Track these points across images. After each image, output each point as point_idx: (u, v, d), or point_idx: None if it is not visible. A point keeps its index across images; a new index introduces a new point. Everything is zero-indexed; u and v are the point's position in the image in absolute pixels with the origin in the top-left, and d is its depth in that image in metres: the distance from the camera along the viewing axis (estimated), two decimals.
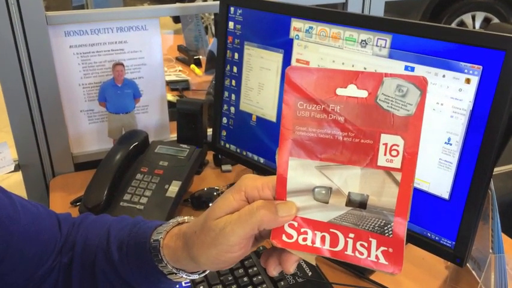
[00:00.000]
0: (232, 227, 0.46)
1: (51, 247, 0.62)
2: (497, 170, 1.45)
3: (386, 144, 0.42)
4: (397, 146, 0.41)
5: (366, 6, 1.20)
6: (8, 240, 0.57)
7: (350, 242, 0.43)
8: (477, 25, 4.25)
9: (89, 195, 0.90)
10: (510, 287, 0.73)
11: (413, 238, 0.72)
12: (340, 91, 0.42)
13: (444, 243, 0.69)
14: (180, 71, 1.91)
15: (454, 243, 0.67)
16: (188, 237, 0.52)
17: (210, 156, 1.13)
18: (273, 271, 0.47)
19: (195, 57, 1.97)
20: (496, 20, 4.20)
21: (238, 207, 0.47)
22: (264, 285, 0.70)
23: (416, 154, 0.41)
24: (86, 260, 0.62)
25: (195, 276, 0.56)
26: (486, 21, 4.22)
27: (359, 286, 0.75)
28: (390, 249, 0.42)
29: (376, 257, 0.43)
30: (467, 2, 4.25)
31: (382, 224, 0.42)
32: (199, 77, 1.88)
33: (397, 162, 0.41)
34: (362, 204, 0.43)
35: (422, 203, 0.70)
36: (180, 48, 2.09)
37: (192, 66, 1.94)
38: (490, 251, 0.71)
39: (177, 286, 0.74)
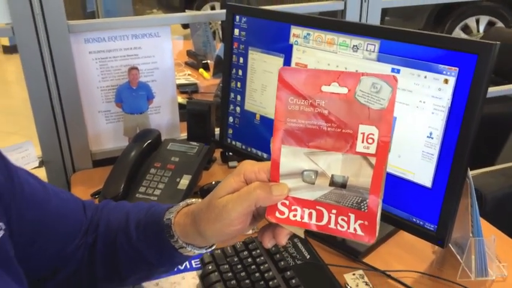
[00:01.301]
0: (233, 204, 0.54)
1: (78, 228, 0.70)
2: (491, 168, 1.52)
3: (363, 134, 0.48)
4: (373, 135, 0.48)
5: (363, 13, 1.28)
6: (41, 220, 0.65)
7: (333, 217, 0.50)
8: (481, 29, 4.30)
9: (107, 187, 0.98)
10: (489, 268, 0.80)
11: (400, 223, 0.79)
12: (324, 88, 0.49)
13: (427, 227, 0.76)
14: (189, 74, 2.00)
15: (436, 227, 0.75)
16: (196, 215, 0.60)
17: (217, 153, 1.21)
18: (268, 243, 0.55)
19: (203, 62, 2.05)
20: (500, 24, 4.24)
21: (238, 187, 0.55)
22: (266, 265, 0.78)
23: (388, 142, 0.48)
24: (108, 239, 0.70)
25: (203, 251, 0.64)
26: (490, 24, 4.26)
27: (352, 267, 0.83)
28: (366, 222, 0.49)
29: (354, 229, 0.50)
30: (472, 6, 4.29)
31: (359, 201, 0.49)
32: (207, 81, 1.97)
33: (372, 149, 0.48)
34: (343, 185, 0.50)
35: (408, 191, 0.77)
36: (189, 53, 2.18)
37: (201, 70, 2.02)
38: (470, 235, 0.79)
39: (188, 266, 0.83)
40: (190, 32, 2.23)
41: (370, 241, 0.49)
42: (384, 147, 0.48)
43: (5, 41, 5.15)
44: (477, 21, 4.33)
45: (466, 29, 4.35)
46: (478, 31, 4.30)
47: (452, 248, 0.85)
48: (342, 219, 0.50)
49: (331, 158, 0.50)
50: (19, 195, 0.62)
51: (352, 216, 0.50)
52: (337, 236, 0.50)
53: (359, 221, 0.49)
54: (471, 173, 0.74)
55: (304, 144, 0.51)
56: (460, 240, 0.83)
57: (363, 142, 0.48)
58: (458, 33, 4.33)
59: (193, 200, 0.66)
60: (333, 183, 0.50)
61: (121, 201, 0.79)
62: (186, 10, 2.60)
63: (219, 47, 2.01)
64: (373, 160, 0.48)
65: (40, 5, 0.99)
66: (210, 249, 0.65)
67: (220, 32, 4.26)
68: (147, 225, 0.67)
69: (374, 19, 1.29)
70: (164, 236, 0.64)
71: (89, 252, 0.70)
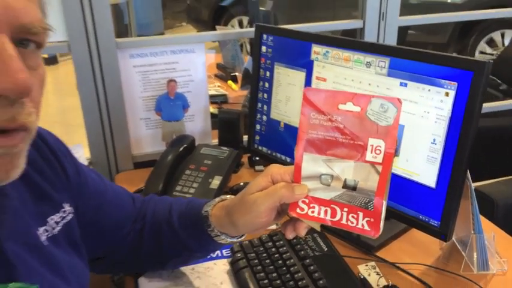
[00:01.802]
0: (261, 200, 0.65)
1: (128, 216, 0.83)
2: (505, 178, 1.59)
3: (372, 146, 0.58)
4: (380, 147, 0.58)
5: (381, 30, 1.38)
6: (99, 208, 0.78)
7: (344, 214, 0.60)
8: (506, 42, 4.32)
9: (149, 186, 1.11)
10: (490, 262, 0.89)
11: (408, 220, 0.89)
12: (341, 106, 0.59)
13: (432, 223, 0.85)
14: (218, 86, 2.13)
15: (439, 223, 0.84)
16: (230, 208, 0.71)
17: (245, 158, 1.33)
18: (290, 235, 0.66)
19: (231, 74, 2.17)
20: None
21: (266, 186, 0.66)
22: (288, 254, 0.89)
23: (393, 153, 0.57)
24: (153, 227, 0.82)
25: (234, 240, 0.76)
26: None
27: (365, 259, 0.93)
28: (372, 219, 0.59)
29: (362, 225, 0.60)
30: (497, 20, 4.31)
31: (367, 201, 0.59)
32: (235, 92, 2.09)
33: (379, 158, 0.58)
34: (354, 188, 0.60)
35: (414, 191, 0.87)
36: (218, 66, 2.31)
37: (229, 82, 2.14)
38: (472, 231, 0.88)
39: (219, 254, 0.94)
40: (220, 46, 2.37)
41: (375, 235, 0.59)
42: (389, 158, 0.57)
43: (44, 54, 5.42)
44: (502, 35, 4.35)
45: (491, 42, 4.37)
46: (503, 45, 4.31)
47: (457, 245, 0.94)
48: (352, 216, 0.60)
49: (345, 164, 0.60)
50: (84, 187, 0.75)
51: (361, 214, 0.59)
52: (348, 230, 0.60)
53: (366, 218, 0.59)
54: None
55: (323, 152, 0.60)
56: (464, 238, 0.92)
57: (371, 153, 0.58)
58: (483, 47, 4.36)
59: (228, 196, 0.78)
60: (345, 186, 0.60)
61: (163, 195, 0.91)
62: (217, 27, 2.75)
63: (247, 60, 2.14)
64: (379, 168, 0.58)
65: (93, 24, 1.14)
66: (240, 239, 0.76)
67: (248, 46, 4.41)
68: (187, 216, 0.79)
69: (391, 36, 1.39)
70: (202, 226, 0.76)
71: (137, 238, 0.83)
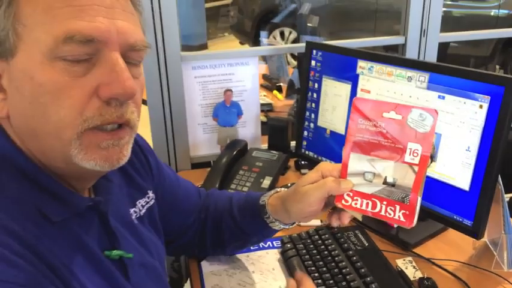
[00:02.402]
0: (312, 191, 0.76)
1: (195, 207, 0.96)
2: None
3: (411, 149, 0.67)
4: (417, 150, 0.66)
5: (422, 46, 1.47)
6: (173, 198, 0.92)
7: (384, 206, 0.69)
8: None
9: (207, 184, 1.24)
10: None
11: (443, 220, 0.98)
12: (385, 114, 0.67)
13: (465, 223, 0.94)
14: (264, 95, 2.26)
15: (472, 222, 0.93)
16: (285, 198, 0.83)
17: (291, 162, 1.44)
18: (334, 223, 0.76)
19: (277, 84, 2.31)
20: None
21: (317, 180, 0.77)
22: (332, 246, 0.99)
23: (428, 156, 0.66)
24: (215, 216, 0.95)
25: (286, 226, 0.88)
26: None
27: (402, 254, 1.02)
28: (407, 212, 0.68)
29: (399, 216, 0.69)
30: None
31: (403, 196, 0.68)
32: (280, 101, 2.21)
33: (416, 160, 0.66)
34: (393, 184, 0.68)
35: (450, 193, 0.96)
36: (264, 77, 2.45)
37: (275, 91, 2.27)
38: (502, 232, 0.96)
39: (271, 245, 1.06)
40: (266, 57, 2.50)
41: (410, 225, 0.68)
42: (424, 160, 0.66)
43: None
44: None
45: None
46: None
47: (489, 245, 1.02)
48: (390, 209, 0.69)
49: (386, 164, 0.68)
50: (162, 179, 0.89)
51: (398, 207, 0.68)
52: (386, 221, 0.70)
53: (402, 211, 0.68)
54: None
55: (367, 153, 0.69)
56: (495, 239, 1.00)
57: (410, 155, 0.67)
58: None
59: (281, 188, 0.90)
60: (385, 182, 0.69)
61: (223, 190, 1.04)
62: (266, 40, 2.87)
63: (292, 72, 2.26)
64: (416, 168, 0.67)
65: (162, 40, 1.29)
66: (291, 226, 0.88)
67: (289, 56, 4.54)
68: (246, 206, 0.92)
69: (432, 52, 1.48)
70: (260, 214, 0.88)
71: (201, 226, 0.96)
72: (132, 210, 0.78)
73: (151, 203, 0.83)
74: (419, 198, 0.68)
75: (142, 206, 0.81)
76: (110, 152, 0.58)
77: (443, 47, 1.51)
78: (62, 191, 0.60)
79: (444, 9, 4.24)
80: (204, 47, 6.47)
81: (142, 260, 0.73)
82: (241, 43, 6.07)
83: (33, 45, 0.54)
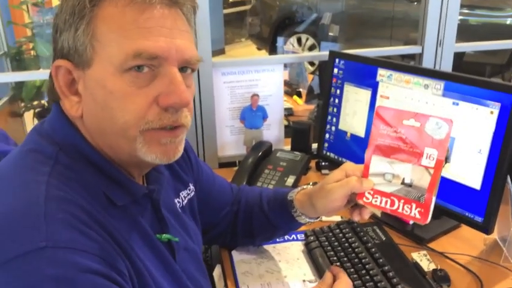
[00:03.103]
0: (337, 189, 0.85)
1: (228, 200, 1.05)
2: None
3: (427, 153, 0.74)
4: (433, 155, 0.73)
5: (438, 56, 1.56)
6: (209, 192, 1.01)
7: (401, 204, 0.77)
8: None
9: (235, 182, 1.34)
10: None
11: (456, 216, 1.06)
12: (405, 122, 0.74)
13: (476, 219, 1.02)
14: (285, 100, 2.35)
15: (482, 219, 1.01)
16: (311, 194, 0.92)
17: (312, 164, 1.53)
18: (355, 217, 0.84)
19: (297, 90, 2.40)
20: None
21: (341, 178, 0.86)
22: (353, 239, 1.08)
23: (443, 160, 0.73)
24: (246, 209, 1.05)
25: (312, 220, 0.97)
26: None
27: (417, 247, 1.11)
28: (422, 210, 0.75)
29: (414, 214, 0.76)
30: None
31: (419, 195, 0.75)
32: (300, 106, 2.29)
33: (432, 164, 0.73)
34: (410, 185, 0.75)
35: (462, 192, 1.04)
36: (284, 82, 2.54)
37: (295, 97, 2.36)
38: (511, 228, 1.04)
39: (295, 238, 1.15)
40: (286, 64, 2.59)
41: (424, 222, 0.75)
42: (439, 164, 0.73)
43: None
44: None
45: None
46: None
47: (498, 241, 1.10)
48: (407, 207, 0.76)
49: (404, 166, 0.75)
50: (200, 174, 0.99)
51: (414, 205, 0.75)
52: (403, 217, 0.78)
53: (418, 209, 0.75)
54: None
55: (387, 155, 0.77)
56: (504, 235, 1.08)
57: (426, 159, 0.73)
58: None
59: (308, 185, 0.99)
60: (403, 182, 0.76)
61: (252, 186, 1.14)
62: (283, 46, 2.97)
63: (311, 79, 2.35)
64: (431, 171, 0.74)
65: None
66: (316, 220, 0.97)
67: (307, 64, 4.63)
68: (275, 200, 1.01)
69: (447, 61, 1.56)
70: (287, 208, 0.97)
71: (233, 218, 1.05)
72: (176, 200, 0.88)
73: (192, 194, 0.93)
74: (434, 198, 0.75)
75: (185, 197, 0.91)
76: (168, 147, 0.68)
77: (459, 55, 1.58)
78: (124, 180, 0.70)
79: (461, 17, 4.29)
80: (221, 52, 6.61)
81: (185, 244, 0.83)
82: (259, 49, 6.18)
83: (107, 59, 0.64)
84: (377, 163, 0.78)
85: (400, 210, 0.77)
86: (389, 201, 0.78)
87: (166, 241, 0.77)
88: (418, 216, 0.75)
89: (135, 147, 0.66)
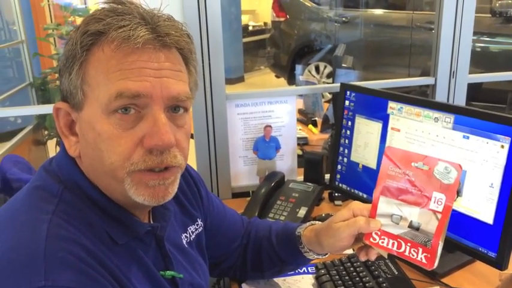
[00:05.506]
0: (344, 228, 0.85)
1: (238, 233, 1.06)
2: None
3: (435, 198, 0.73)
4: (442, 199, 0.73)
5: (451, 87, 1.55)
6: (219, 226, 1.02)
7: (408, 248, 0.76)
8: None
9: (247, 212, 1.35)
10: None
11: (469, 251, 1.05)
12: (413, 164, 0.75)
13: (490, 254, 1.00)
14: (300, 129, 2.36)
15: (496, 254, 0.99)
16: (318, 231, 0.92)
17: (325, 194, 1.53)
18: (362, 257, 0.84)
19: (312, 119, 2.41)
20: None
21: (348, 218, 0.85)
22: (364, 273, 1.07)
23: (451, 206, 0.72)
24: (256, 243, 1.05)
25: (320, 256, 0.96)
26: None
27: (430, 282, 1.09)
28: (428, 255, 0.74)
29: (421, 258, 0.75)
30: None
31: (426, 240, 0.75)
32: (315, 135, 2.31)
33: (440, 208, 0.73)
34: (417, 228, 0.74)
35: (475, 227, 1.03)
36: (299, 111, 2.55)
37: (310, 126, 2.37)
38: None
39: (306, 271, 1.14)
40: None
41: (430, 268, 0.74)
42: (447, 209, 0.73)
43: None
44: None
45: None
46: None
47: None
48: (414, 250, 0.76)
49: (412, 209, 0.75)
50: (211, 208, 1.00)
51: (420, 250, 0.75)
52: (409, 261, 0.77)
53: (424, 254, 0.75)
54: None
55: (396, 197, 0.77)
56: None
57: (434, 203, 0.73)
58: None
59: (316, 222, 0.99)
60: (410, 225, 0.75)
61: (263, 219, 1.14)
62: (300, 77, 2.99)
63: (327, 107, 2.37)
64: (439, 216, 0.74)
65: (210, 81, 1.43)
66: (323, 256, 0.97)
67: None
68: (284, 235, 1.01)
69: (461, 92, 1.55)
70: (295, 243, 0.97)
71: (243, 251, 1.06)
72: (183, 236, 0.89)
73: (200, 230, 0.94)
74: (441, 243, 0.74)
75: (192, 232, 0.92)
76: (156, 189, 0.68)
77: (476, 83, 1.55)
78: (125, 218, 0.71)
79: (482, 45, 4.28)
80: (241, 79, 6.69)
81: (191, 280, 0.84)
82: (277, 76, 6.25)
83: (95, 102, 0.66)
84: (385, 204, 0.78)
85: (406, 253, 0.76)
86: (396, 244, 0.77)
87: (170, 278, 0.78)
88: (424, 261, 0.75)
89: (124, 188, 0.67)
